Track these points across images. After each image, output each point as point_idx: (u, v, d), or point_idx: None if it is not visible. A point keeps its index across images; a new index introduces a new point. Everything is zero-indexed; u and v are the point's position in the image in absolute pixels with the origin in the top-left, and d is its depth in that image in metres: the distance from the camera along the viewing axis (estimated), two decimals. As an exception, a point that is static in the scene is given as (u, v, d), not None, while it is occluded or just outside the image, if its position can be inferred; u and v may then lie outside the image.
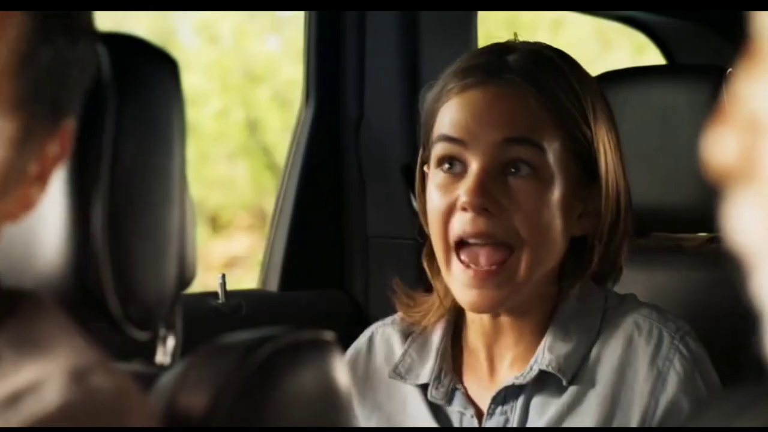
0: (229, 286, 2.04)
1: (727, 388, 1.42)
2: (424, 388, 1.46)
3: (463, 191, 1.36)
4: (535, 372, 1.40)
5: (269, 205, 2.34)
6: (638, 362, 1.39)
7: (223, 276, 2.03)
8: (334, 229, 2.27)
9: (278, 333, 0.99)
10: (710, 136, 0.54)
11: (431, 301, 1.48)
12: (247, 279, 3.84)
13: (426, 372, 1.46)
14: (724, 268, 1.76)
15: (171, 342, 1.05)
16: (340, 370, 1.01)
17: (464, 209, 1.36)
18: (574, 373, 1.40)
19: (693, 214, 1.79)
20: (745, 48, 0.55)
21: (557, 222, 1.38)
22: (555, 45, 1.49)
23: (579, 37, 4.64)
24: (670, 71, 2.24)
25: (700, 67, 2.17)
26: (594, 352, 1.41)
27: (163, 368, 1.02)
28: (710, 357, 1.59)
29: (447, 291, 1.46)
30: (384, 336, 1.53)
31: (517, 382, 1.41)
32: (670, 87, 1.83)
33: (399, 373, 1.47)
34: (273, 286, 2.19)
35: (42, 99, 0.84)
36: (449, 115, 1.40)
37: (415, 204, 1.56)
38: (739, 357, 1.71)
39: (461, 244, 1.38)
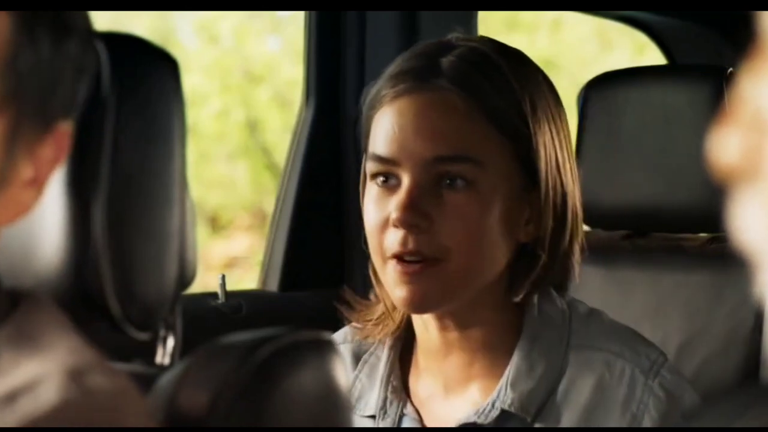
0: (229, 286, 2.04)
1: (726, 388, 1.41)
2: (375, 417, 1.42)
3: (394, 207, 1.32)
4: (497, 411, 1.34)
5: (269, 205, 2.34)
6: (609, 406, 1.33)
7: (223, 276, 2.03)
8: (334, 229, 2.27)
9: (278, 333, 0.98)
10: (715, 135, 0.54)
11: (382, 308, 1.43)
12: (247, 279, 3.84)
13: (373, 402, 1.41)
14: (725, 268, 1.76)
15: (171, 342, 1.05)
16: (340, 370, 1.01)
17: (396, 225, 1.32)
18: (538, 409, 1.34)
19: (693, 214, 1.78)
20: (748, 47, 0.55)
21: (495, 232, 1.33)
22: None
23: (579, 37, 4.63)
24: (670, 71, 2.24)
25: (700, 67, 2.17)
26: (561, 389, 1.35)
27: (162, 368, 1.02)
28: (709, 357, 1.58)
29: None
30: None
31: (479, 421, 1.35)
32: (670, 87, 1.83)
33: None
34: (273, 286, 2.19)
35: (28, 98, 0.83)
36: (381, 130, 1.35)
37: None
38: (739, 357, 1.71)
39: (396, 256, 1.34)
